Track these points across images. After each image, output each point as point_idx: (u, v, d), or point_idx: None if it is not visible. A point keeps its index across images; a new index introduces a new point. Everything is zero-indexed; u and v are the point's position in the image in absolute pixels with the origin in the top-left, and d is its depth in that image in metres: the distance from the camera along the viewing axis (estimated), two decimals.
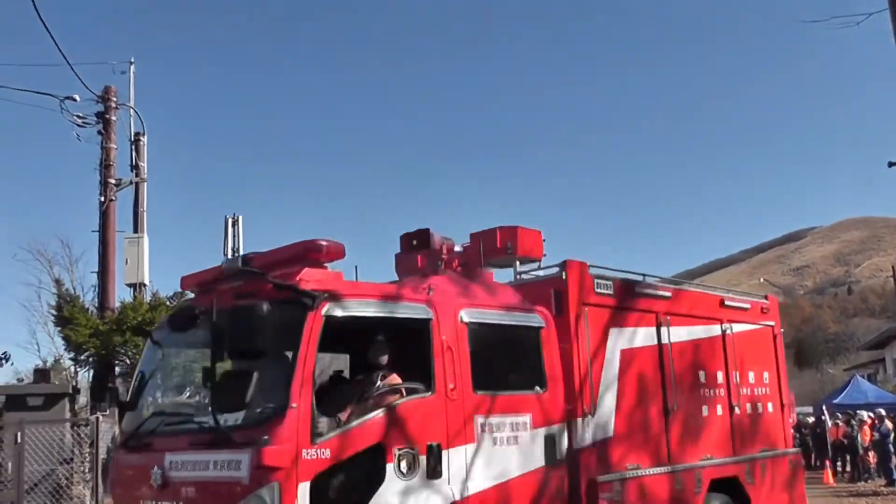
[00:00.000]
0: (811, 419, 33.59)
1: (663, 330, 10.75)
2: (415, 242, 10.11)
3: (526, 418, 8.39)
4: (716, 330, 11.87)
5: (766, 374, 12.80)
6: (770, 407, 12.69)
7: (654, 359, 10.53)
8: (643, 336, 10.46)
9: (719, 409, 11.46)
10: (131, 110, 18.92)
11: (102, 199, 18.19)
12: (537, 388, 8.62)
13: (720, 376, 11.66)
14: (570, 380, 9.02)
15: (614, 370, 9.83)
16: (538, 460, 8.41)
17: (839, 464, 28.87)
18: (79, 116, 17.76)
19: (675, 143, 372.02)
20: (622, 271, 10.53)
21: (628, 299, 10.37)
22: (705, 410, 11.20)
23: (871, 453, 26.43)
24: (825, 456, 28.97)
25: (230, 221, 30.98)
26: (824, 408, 32.66)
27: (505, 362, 8.69)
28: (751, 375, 12.39)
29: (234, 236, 30.67)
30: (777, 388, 13.02)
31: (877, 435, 25.53)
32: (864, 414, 27.55)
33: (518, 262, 9.95)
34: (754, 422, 12.16)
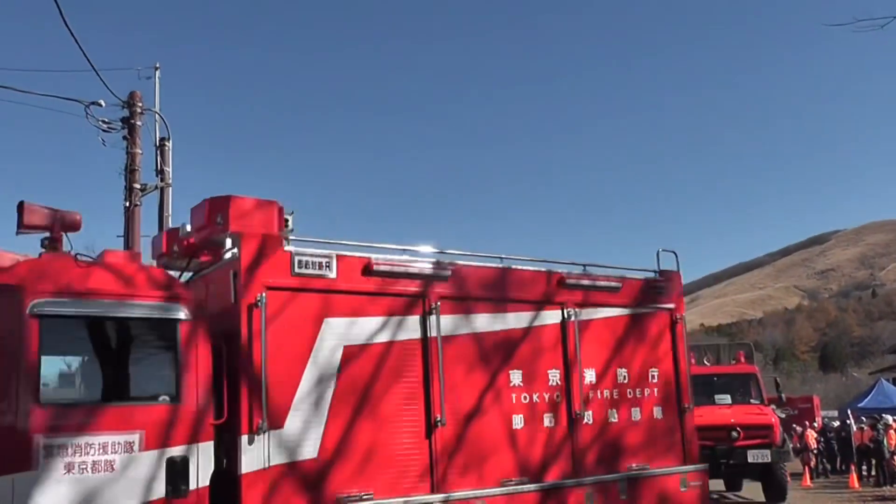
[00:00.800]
0: (836, 423, 33.32)
1: (431, 319, 8.82)
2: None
3: (133, 437, 6.59)
4: (551, 317, 9.96)
5: (653, 372, 10.93)
6: (659, 412, 10.84)
7: (415, 357, 8.70)
8: (394, 327, 8.60)
9: (549, 419, 9.61)
10: (157, 115, 19.05)
11: (127, 203, 18.32)
12: (164, 397, 6.91)
13: (554, 376, 9.80)
14: (236, 386, 7.34)
15: (329, 372, 8.03)
16: (154, 492, 6.62)
17: (864, 468, 28.62)
18: (104, 122, 17.86)
19: (703, 147, 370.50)
20: (361, 245, 8.71)
21: (363, 280, 8.46)
22: (519, 421, 9.35)
23: None
24: (850, 460, 28.75)
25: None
26: (849, 412, 32.42)
27: (115, 365, 6.97)
28: (621, 374, 10.53)
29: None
30: (674, 389, 11.14)
31: None
32: (890, 418, 27.32)
33: (230, 240, 8.08)
34: (624, 432, 10.33)
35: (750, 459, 18.75)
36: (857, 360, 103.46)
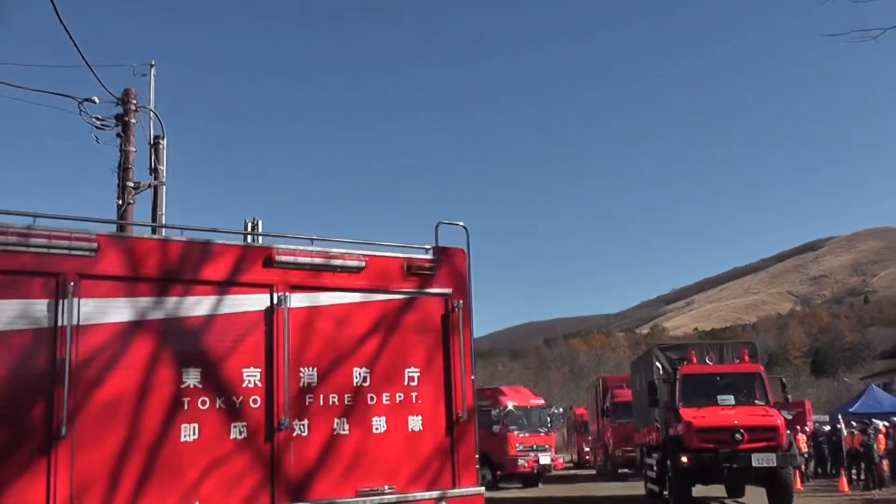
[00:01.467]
0: (827, 427, 33.42)
1: (66, 303, 7.16)
2: None
3: None
4: (253, 302, 8.14)
5: (412, 373, 8.95)
6: (417, 423, 8.86)
7: (41, 352, 7.07)
8: (11, 315, 7.00)
9: (239, 431, 7.88)
10: (151, 113, 19.01)
11: (121, 202, 18.27)
12: None
13: (252, 377, 8.02)
14: None
15: None
16: None
17: (854, 472, 28.70)
18: (98, 119, 17.80)
19: (698, 151, 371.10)
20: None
21: None
22: (191, 432, 7.62)
23: (885, 461, 26.30)
24: (840, 464, 28.84)
25: (249, 226, 31.28)
26: (840, 416, 32.50)
27: None
28: (359, 375, 8.59)
29: (253, 240, 30.96)
30: (443, 394, 9.10)
31: (891, 443, 25.43)
32: (879, 423, 27.42)
33: None
34: (360, 448, 8.46)
35: (754, 463, 18.07)
36: (848, 365, 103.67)
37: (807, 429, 32.97)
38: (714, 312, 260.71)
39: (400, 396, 8.83)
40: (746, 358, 20.88)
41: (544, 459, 29.01)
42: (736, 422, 18.53)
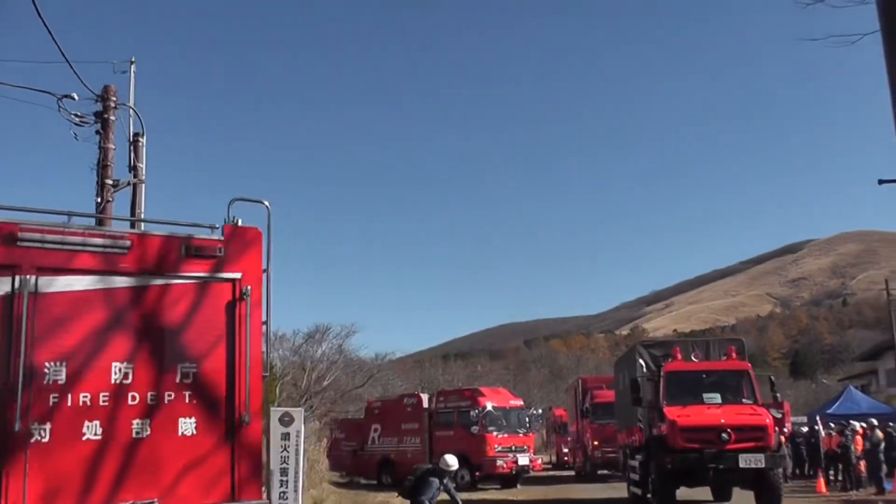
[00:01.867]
0: (805, 429, 33.62)
1: None
2: None
3: None
4: None
5: (186, 369, 7.82)
6: (190, 426, 7.74)
7: None
8: None
9: None
10: (131, 110, 18.89)
11: (99, 199, 18.14)
12: None
13: None
14: None
15: None
16: None
17: (832, 473, 28.88)
18: (77, 115, 17.67)
19: (678, 153, 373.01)
20: None
21: None
22: None
23: (862, 462, 26.48)
24: (818, 465, 29.02)
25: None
26: (818, 418, 32.71)
27: None
28: (118, 370, 7.45)
29: None
30: (224, 393, 7.96)
31: (868, 444, 25.60)
32: (857, 424, 27.60)
33: None
34: (114, 453, 7.28)
35: (741, 464, 17.55)
36: (827, 367, 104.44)
37: (785, 430, 33.15)
38: (694, 314, 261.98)
39: (169, 396, 7.66)
40: (734, 355, 20.31)
41: (523, 460, 29.06)
42: (722, 421, 17.94)
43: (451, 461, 14.15)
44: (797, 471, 31.51)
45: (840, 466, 28.07)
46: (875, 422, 27.39)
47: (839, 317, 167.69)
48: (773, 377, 22.19)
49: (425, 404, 30.93)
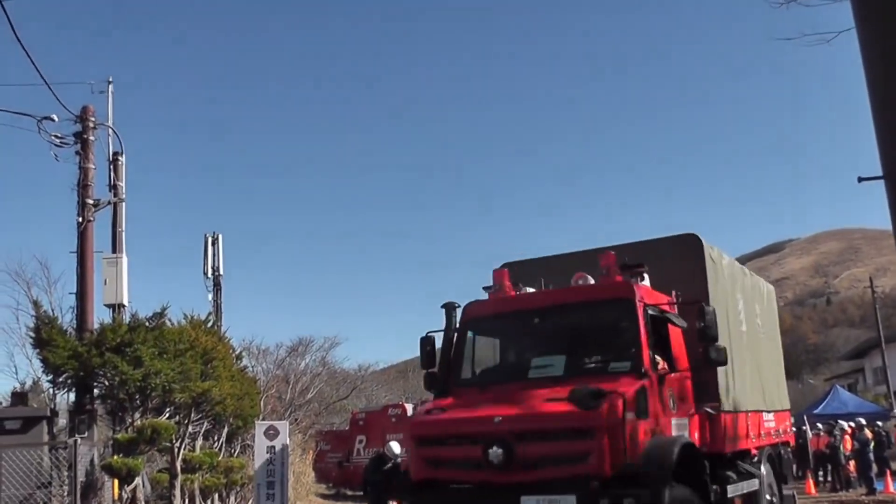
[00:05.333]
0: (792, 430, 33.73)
1: None
2: None
3: None
4: None
5: None
6: None
7: None
8: None
9: None
10: (110, 130, 18.82)
11: (80, 219, 18.06)
12: None
13: None
14: None
15: None
16: None
17: (821, 474, 28.98)
18: (56, 136, 17.62)
19: (656, 153, 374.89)
20: None
21: None
22: None
23: (851, 462, 26.58)
24: (806, 466, 29.08)
25: (210, 240, 31.02)
26: (805, 418, 32.84)
27: None
28: None
29: (213, 255, 30.70)
30: None
31: (856, 444, 25.70)
32: (845, 424, 27.72)
33: None
34: None
35: None
36: (812, 367, 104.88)
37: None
38: None
39: None
40: (612, 269, 10.38)
41: None
42: (498, 419, 9.01)
43: (396, 448, 14.43)
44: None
45: (829, 467, 28.20)
46: (863, 421, 27.60)
47: (823, 316, 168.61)
48: (707, 308, 10.14)
49: (409, 413, 30.91)
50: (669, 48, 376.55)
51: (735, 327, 12.72)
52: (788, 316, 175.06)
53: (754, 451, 13.10)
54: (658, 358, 9.87)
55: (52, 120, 17.36)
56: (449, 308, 10.95)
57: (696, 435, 10.67)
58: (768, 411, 14.19)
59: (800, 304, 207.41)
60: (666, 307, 10.35)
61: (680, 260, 11.55)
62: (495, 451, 8.77)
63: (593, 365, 10.12)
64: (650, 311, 9.97)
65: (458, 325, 10.89)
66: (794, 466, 30.99)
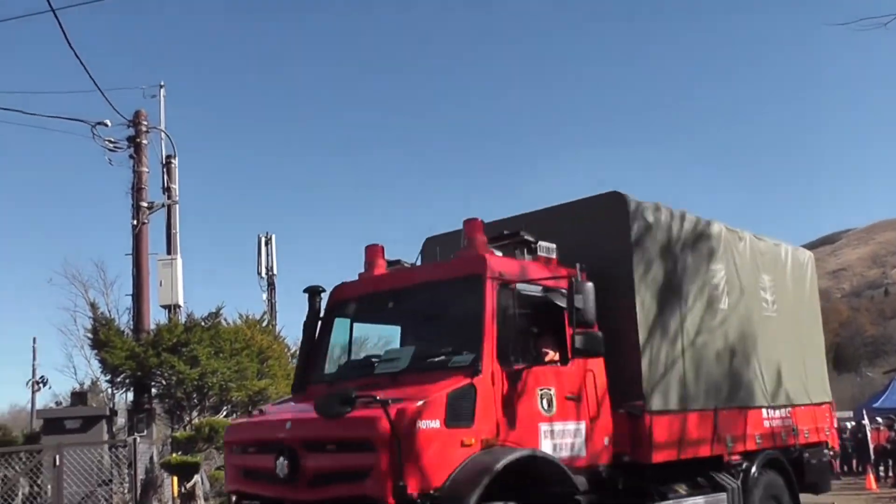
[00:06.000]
0: (850, 424, 33.10)
1: None
2: None
3: None
4: None
5: None
6: None
7: None
8: None
9: None
10: (162, 133, 19.13)
11: (135, 222, 18.40)
12: None
13: None
14: None
15: None
16: None
17: (882, 469, 28.43)
18: (110, 141, 18.00)
19: (707, 148, 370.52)
20: None
21: None
22: None
23: None
24: (867, 461, 28.53)
25: (263, 240, 31.37)
26: (864, 412, 32.21)
27: None
28: None
29: (267, 255, 31.04)
30: None
31: None
32: None
33: None
34: None
35: None
36: (870, 359, 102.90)
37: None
38: None
39: None
40: (474, 242, 8.54)
41: None
42: (280, 435, 7.64)
43: None
44: (845, 468, 30.99)
45: (890, 462, 27.66)
46: None
47: (881, 307, 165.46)
48: (582, 283, 8.25)
49: None
50: (715, 31, 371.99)
51: (692, 304, 10.33)
52: (846, 308, 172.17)
53: (735, 458, 10.54)
54: (548, 350, 8.32)
55: (106, 125, 17.73)
56: (312, 292, 9.45)
57: (606, 442, 8.71)
58: (775, 407, 11.56)
59: (857, 296, 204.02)
60: (550, 283, 8.40)
61: (602, 224, 9.62)
62: (281, 463, 7.41)
63: (438, 359, 8.07)
64: (524, 291, 8.18)
65: (310, 310, 9.49)
66: (854, 461, 30.64)
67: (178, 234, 19.17)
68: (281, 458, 7.38)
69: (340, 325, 9.46)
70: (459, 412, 7.26)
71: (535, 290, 8.33)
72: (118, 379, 18.68)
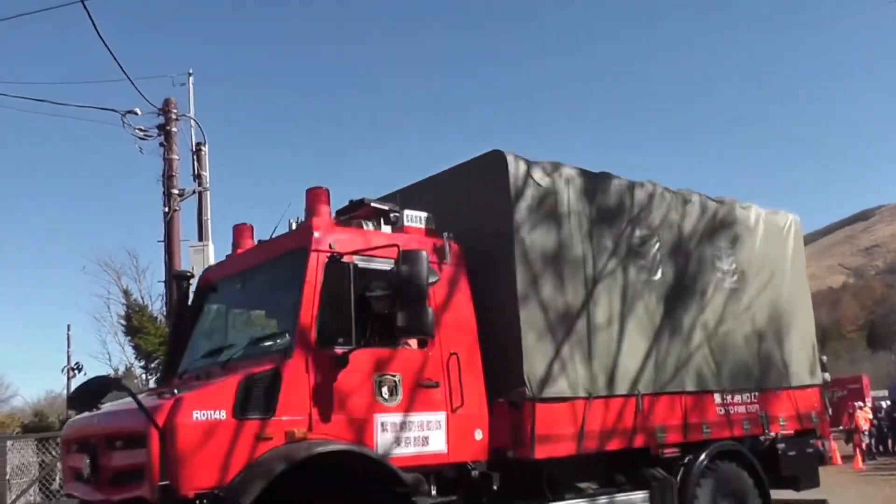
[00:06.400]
0: (886, 403, 32.79)
1: None
2: None
3: None
4: None
5: None
6: None
7: None
8: None
9: None
10: (192, 121, 19.23)
11: (166, 209, 18.52)
12: None
13: None
14: None
15: None
16: None
17: None
18: (140, 129, 18.12)
19: (738, 124, 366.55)
20: None
21: None
22: None
23: None
24: None
25: (294, 225, 31.53)
26: None
27: None
28: None
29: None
30: None
31: None
32: None
33: None
34: None
35: None
36: None
37: (866, 404, 32.28)
38: None
39: None
40: (316, 211, 7.83)
41: None
42: (97, 418, 7.23)
43: None
44: (880, 447, 30.70)
45: None
46: None
47: None
48: (415, 253, 7.21)
49: None
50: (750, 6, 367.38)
51: (604, 276, 9.02)
52: (880, 285, 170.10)
53: (670, 451, 9.30)
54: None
55: (136, 114, 17.85)
56: (178, 278, 9.17)
57: (478, 435, 7.72)
58: (734, 392, 10.18)
59: (891, 273, 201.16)
60: (380, 254, 7.29)
61: (482, 189, 8.62)
62: (85, 461, 6.92)
63: (266, 343, 7.57)
64: (365, 266, 7.25)
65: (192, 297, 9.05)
66: (889, 440, 30.26)
67: (209, 221, 19.28)
68: (85, 457, 6.94)
69: (207, 311, 8.83)
70: (253, 402, 6.49)
71: (380, 265, 7.26)
72: (152, 364, 18.91)
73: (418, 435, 7.28)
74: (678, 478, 9.30)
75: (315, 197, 7.82)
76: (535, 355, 8.10)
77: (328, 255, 7.12)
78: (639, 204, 9.73)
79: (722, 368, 10.12)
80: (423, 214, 8.18)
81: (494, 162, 8.45)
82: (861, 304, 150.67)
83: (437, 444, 7.41)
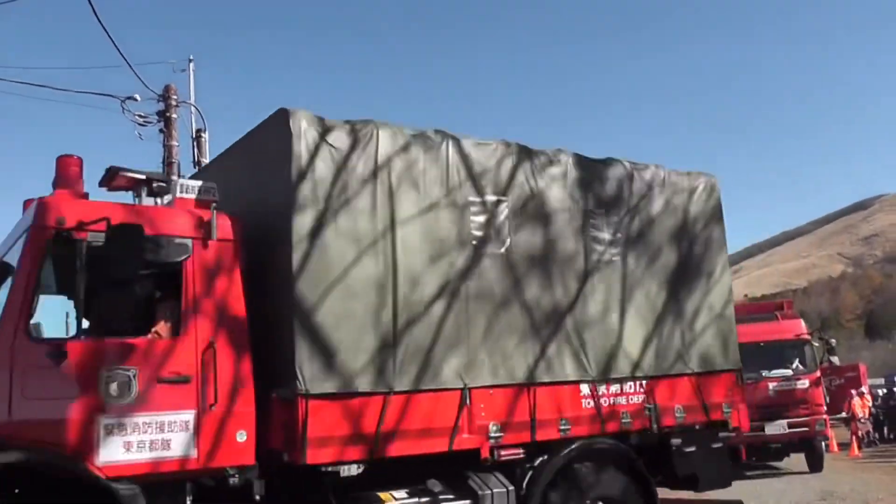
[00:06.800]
0: (882, 391, 32.90)
1: None
2: None
3: None
4: None
5: None
6: None
7: None
8: None
9: None
10: (192, 107, 19.26)
11: None
12: None
13: None
14: None
15: None
16: None
17: None
18: (140, 116, 18.14)
19: (740, 115, 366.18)
20: None
21: None
22: None
23: None
24: None
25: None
26: None
27: None
28: None
29: None
30: None
31: None
32: None
33: None
34: None
35: None
36: None
37: (858, 392, 32.28)
38: (764, 278, 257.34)
39: None
40: (59, 183, 7.39)
41: None
42: None
43: None
44: (876, 435, 30.81)
45: None
46: None
47: None
48: (129, 228, 6.45)
49: None
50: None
51: (418, 250, 7.57)
52: (878, 274, 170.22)
53: (510, 452, 7.82)
54: (161, 320, 6.66)
55: (135, 100, 17.86)
56: None
57: (241, 437, 6.62)
58: (609, 381, 8.62)
59: (891, 262, 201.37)
60: (94, 228, 6.37)
61: (267, 154, 7.51)
62: None
63: None
64: (95, 243, 6.29)
65: None
66: (885, 429, 30.34)
67: None
68: None
69: None
70: None
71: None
72: None
73: (156, 438, 6.27)
74: (524, 485, 7.94)
75: (63, 166, 6.88)
76: (313, 344, 6.83)
77: (53, 231, 6.26)
78: (477, 165, 8.16)
79: (589, 353, 8.54)
80: (195, 184, 7.18)
81: (278, 123, 7.19)
82: (860, 294, 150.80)
83: (183, 447, 6.38)
